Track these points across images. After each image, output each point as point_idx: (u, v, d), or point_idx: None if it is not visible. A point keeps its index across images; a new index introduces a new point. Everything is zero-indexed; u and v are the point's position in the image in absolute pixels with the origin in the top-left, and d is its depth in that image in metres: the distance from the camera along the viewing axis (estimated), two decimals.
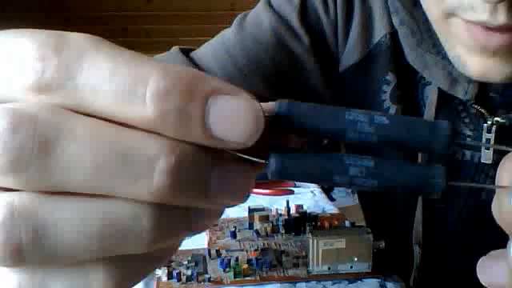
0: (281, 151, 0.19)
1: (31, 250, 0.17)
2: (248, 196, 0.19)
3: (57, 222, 0.17)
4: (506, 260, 0.21)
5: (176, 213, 0.18)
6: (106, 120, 0.17)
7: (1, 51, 0.17)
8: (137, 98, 0.17)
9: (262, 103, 0.19)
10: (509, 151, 0.21)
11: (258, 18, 0.60)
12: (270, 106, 0.19)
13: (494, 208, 0.21)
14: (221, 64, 0.60)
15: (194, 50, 0.63)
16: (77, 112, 0.17)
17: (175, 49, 0.62)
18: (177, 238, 0.19)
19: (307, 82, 0.61)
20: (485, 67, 0.44)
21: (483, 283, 0.23)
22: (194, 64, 0.60)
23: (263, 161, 0.19)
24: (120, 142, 0.17)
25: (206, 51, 0.62)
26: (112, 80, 0.17)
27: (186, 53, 0.61)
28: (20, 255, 0.17)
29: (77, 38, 0.17)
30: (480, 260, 0.23)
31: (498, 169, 0.21)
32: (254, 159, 0.19)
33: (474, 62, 0.44)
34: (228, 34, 0.61)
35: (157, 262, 0.20)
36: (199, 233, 0.20)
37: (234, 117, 0.17)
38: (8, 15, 2.24)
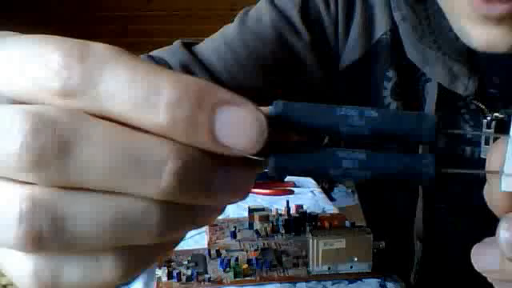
0: (279, 149, 0.20)
1: (50, 238, 0.19)
2: (247, 194, 0.20)
3: (74, 214, 0.19)
4: (497, 246, 0.22)
5: (181, 209, 0.20)
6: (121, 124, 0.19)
7: (29, 55, 0.19)
8: (151, 105, 0.18)
9: (261, 107, 0.20)
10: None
11: (259, 13, 0.61)
12: (267, 109, 0.20)
13: (486, 193, 0.22)
14: (221, 58, 0.60)
15: (196, 43, 0.63)
16: (97, 116, 0.19)
17: (177, 42, 0.62)
18: (182, 231, 0.21)
19: (307, 78, 0.61)
20: (489, 37, 0.44)
21: (477, 269, 0.24)
22: (195, 58, 0.60)
23: (262, 158, 0.20)
24: (132, 145, 0.19)
25: (207, 45, 0.62)
26: (130, 89, 0.18)
27: (188, 46, 0.61)
28: (40, 243, 0.19)
29: (100, 49, 0.19)
30: (474, 247, 0.24)
31: (488, 154, 0.22)
32: (255, 157, 0.20)
33: (478, 33, 0.45)
34: (229, 29, 0.62)
35: (161, 251, 0.22)
36: (202, 227, 0.22)
37: (240, 126, 0.19)
38: (8, 15, 2.24)
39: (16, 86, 0.19)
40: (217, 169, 0.20)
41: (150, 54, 0.61)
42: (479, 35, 0.45)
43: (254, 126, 0.19)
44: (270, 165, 0.20)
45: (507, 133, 0.21)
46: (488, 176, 0.22)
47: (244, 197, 0.20)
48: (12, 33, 0.21)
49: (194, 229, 0.22)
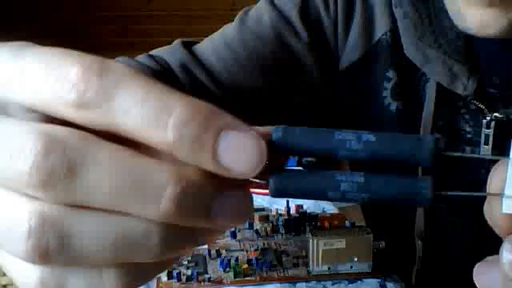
0: (279, 172, 0.21)
1: (56, 253, 0.20)
2: (247, 219, 0.22)
3: (79, 231, 0.20)
4: (499, 266, 0.22)
5: (181, 231, 0.21)
6: (130, 141, 0.20)
7: (48, 67, 0.20)
8: (161, 123, 0.19)
9: (261, 128, 0.21)
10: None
11: (259, 13, 0.61)
12: (267, 129, 0.22)
13: (486, 213, 0.22)
14: (221, 58, 0.60)
15: (196, 43, 0.63)
16: (107, 132, 0.20)
17: (177, 42, 0.62)
18: (183, 250, 0.22)
19: (307, 78, 0.61)
20: (482, 19, 0.45)
21: (477, 285, 0.24)
22: (195, 57, 0.60)
23: (263, 181, 0.21)
24: (134, 169, 0.19)
25: (207, 45, 0.62)
26: (143, 106, 0.19)
27: (188, 46, 0.61)
28: (46, 257, 0.20)
29: (118, 66, 0.20)
30: (476, 265, 0.24)
31: (489, 175, 0.22)
32: (255, 180, 0.21)
33: (472, 14, 0.46)
34: (229, 30, 0.62)
35: (163, 267, 0.23)
36: (203, 244, 0.22)
37: (241, 150, 0.20)
38: (8, 15, 2.24)
39: (32, 96, 0.20)
40: (216, 195, 0.20)
41: (150, 53, 0.61)
42: (472, 17, 0.46)
43: (254, 151, 0.20)
44: (270, 187, 0.21)
45: (507, 154, 0.21)
46: (488, 197, 0.22)
47: (243, 221, 0.21)
48: (31, 44, 0.21)
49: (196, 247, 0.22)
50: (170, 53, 0.60)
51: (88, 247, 0.20)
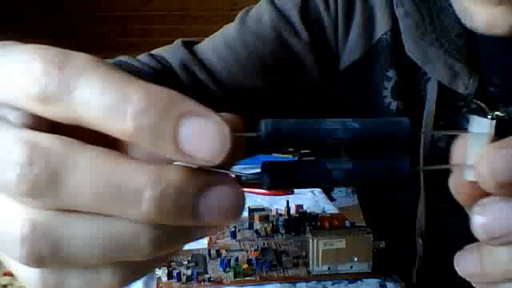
0: (273, 164, 0.22)
1: (50, 258, 0.21)
2: (239, 216, 0.21)
3: (70, 235, 0.20)
4: (476, 251, 0.25)
5: (170, 229, 0.21)
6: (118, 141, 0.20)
7: (15, 62, 0.20)
8: (120, 113, 0.19)
9: (225, 114, 0.21)
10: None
11: (260, 13, 0.61)
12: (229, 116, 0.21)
13: (451, 184, 0.24)
14: (221, 58, 0.60)
15: (197, 42, 0.63)
16: (75, 124, 0.20)
17: (178, 41, 0.63)
18: (176, 247, 0.22)
19: (307, 78, 0.61)
20: (489, 18, 0.45)
21: (461, 275, 0.26)
22: (195, 57, 0.60)
23: (256, 178, 0.22)
24: (113, 173, 0.20)
25: (207, 45, 0.62)
26: (101, 97, 0.19)
27: (188, 46, 0.62)
28: (41, 262, 0.21)
29: (79, 58, 0.20)
30: (456, 255, 0.26)
31: (451, 149, 0.24)
32: (244, 173, 0.22)
33: (479, 13, 0.46)
34: (230, 29, 0.62)
35: (158, 263, 0.23)
36: (199, 239, 0.23)
37: (203, 137, 0.19)
38: (8, 15, 2.24)
39: (5, 92, 0.21)
40: (201, 194, 0.20)
41: (151, 52, 0.61)
42: (481, 14, 0.46)
43: (216, 138, 0.19)
44: (265, 180, 0.22)
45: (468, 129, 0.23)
46: (453, 169, 0.24)
47: (234, 219, 0.21)
48: (13, 43, 0.22)
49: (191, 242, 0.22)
50: (171, 52, 0.60)
51: (80, 249, 0.21)
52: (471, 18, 0.47)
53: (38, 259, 0.20)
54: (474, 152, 0.23)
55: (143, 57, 0.59)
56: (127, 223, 0.20)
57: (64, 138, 0.20)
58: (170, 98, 0.19)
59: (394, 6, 0.54)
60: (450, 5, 0.52)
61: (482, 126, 0.23)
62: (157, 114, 0.19)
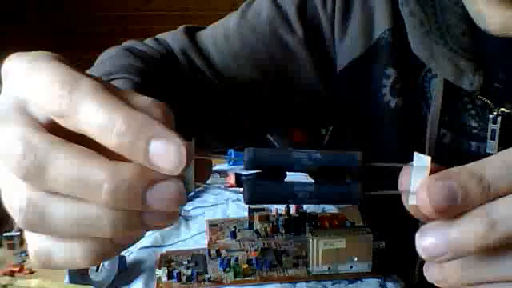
0: (252, 183, 0.28)
1: (37, 225, 0.28)
2: (183, 203, 0.27)
3: (53, 212, 0.27)
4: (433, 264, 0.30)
5: (129, 214, 0.27)
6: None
7: (39, 83, 0.27)
8: (108, 132, 0.26)
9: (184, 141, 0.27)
10: None
11: (259, 8, 0.62)
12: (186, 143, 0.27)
13: (404, 203, 0.29)
14: (219, 50, 0.63)
15: (201, 28, 0.66)
16: (74, 132, 0.27)
17: (181, 28, 0.65)
18: (136, 231, 0.29)
19: (300, 75, 0.61)
20: (503, 20, 0.46)
21: (428, 280, 0.31)
22: (195, 45, 0.63)
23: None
24: (82, 168, 0.26)
25: (208, 34, 0.65)
26: (96, 118, 0.26)
27: (191, 33, 0.65)
28: (32, 227, 0.28)
29: (86, 84, 0.27)
30: (424, 265, 0.30)
31: (399, 177, 0.28)
32: (244, 174, 0.28)
33: (494, 15, 0.46)
34: (230, 21, 0.64)
35: (122, 246, 0.30)
36: (159, 229, 0.33)
37: (166, 154, 0.26)
38: (8, 15, 2.24)
39: (38, 102, 0.28)
40: (148, 186, 0.26)
41: (157, 36, 0.66)
42: (495, 17, 0.46)
43: (176, 156, 0.26)
44: (245, 196, 0.28)
45: (411, 163, 0.28)
46: (402, 193, 0.29)
47: (178, 207, 0.27)
48: (44, 55, 0.29)
49: (156, 229, 0.32)
50: (173, 38, 0.64)
51: (59, 222, 0.27)
52: (485, 21, 0.47)
53: (30, 226, 0.28)
54: (416, 182, 0.27)
55: (149, 41, 0.65)
56: (94, 206, 0.27)
57: (53, 137, 0.27)
58: (143, 123, 0.26)
59: (399, 6, 0.54)
60: (455, 3, 0.52)
61: (423, 161, 0.27)
62: (132, 136, 0.26)
